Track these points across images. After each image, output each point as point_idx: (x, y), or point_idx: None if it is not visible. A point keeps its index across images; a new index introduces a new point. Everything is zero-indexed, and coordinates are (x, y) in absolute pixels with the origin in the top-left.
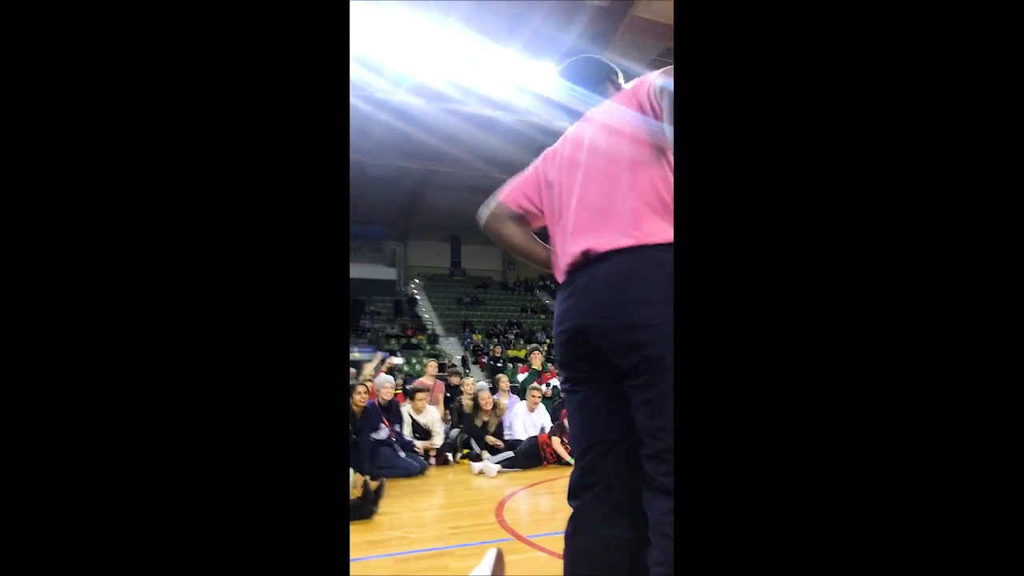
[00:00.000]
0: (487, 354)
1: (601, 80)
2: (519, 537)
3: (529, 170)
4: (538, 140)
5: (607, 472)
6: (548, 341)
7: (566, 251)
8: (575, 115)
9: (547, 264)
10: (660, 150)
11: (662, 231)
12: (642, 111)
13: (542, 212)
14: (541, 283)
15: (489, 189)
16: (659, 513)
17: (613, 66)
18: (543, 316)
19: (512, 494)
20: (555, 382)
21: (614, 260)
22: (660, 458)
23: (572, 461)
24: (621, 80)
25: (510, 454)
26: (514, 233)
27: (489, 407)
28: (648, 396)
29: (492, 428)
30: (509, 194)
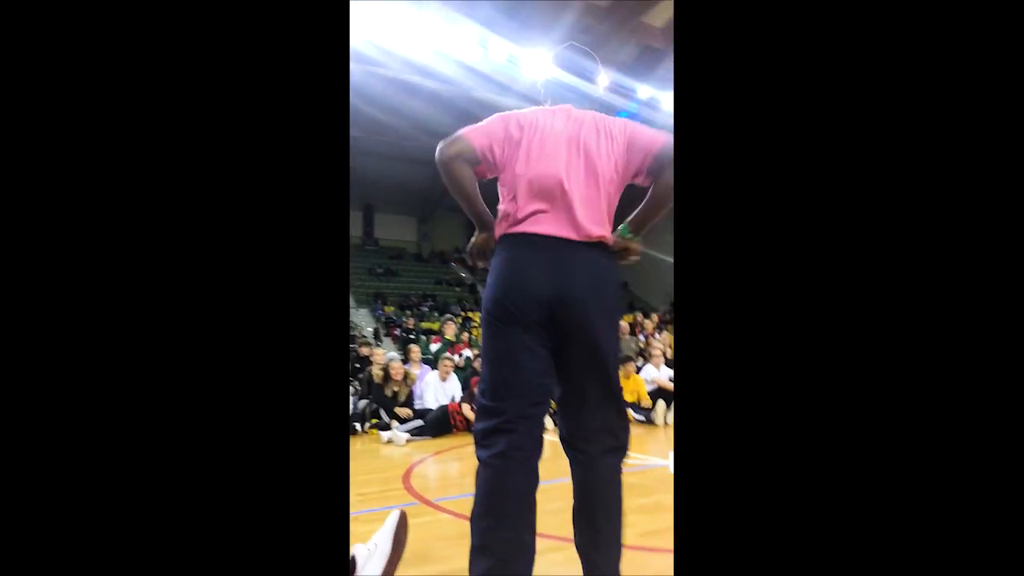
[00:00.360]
0: (399, 326)
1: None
2: (425, 501)
3: (496, 122)
4: (462, 107)
5: (542, 409)
6: (463, 314)
7: (547, 229)
8: (500, 87)
9: (481, 220)
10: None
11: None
12: (624, 150)
13: (496, 167)
14: (457, 255)
15: (407, 157)
16: (611, 421)
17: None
18: (458, 289)
19: (420, 461)
20: (468, 353)
21: (600, 249)
22: (618, 411)
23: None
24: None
25: (420, 423)
26: (469, 178)
27: (399, 377)
28: (594, 360)
29: (402, 398)
30: (478, 139)
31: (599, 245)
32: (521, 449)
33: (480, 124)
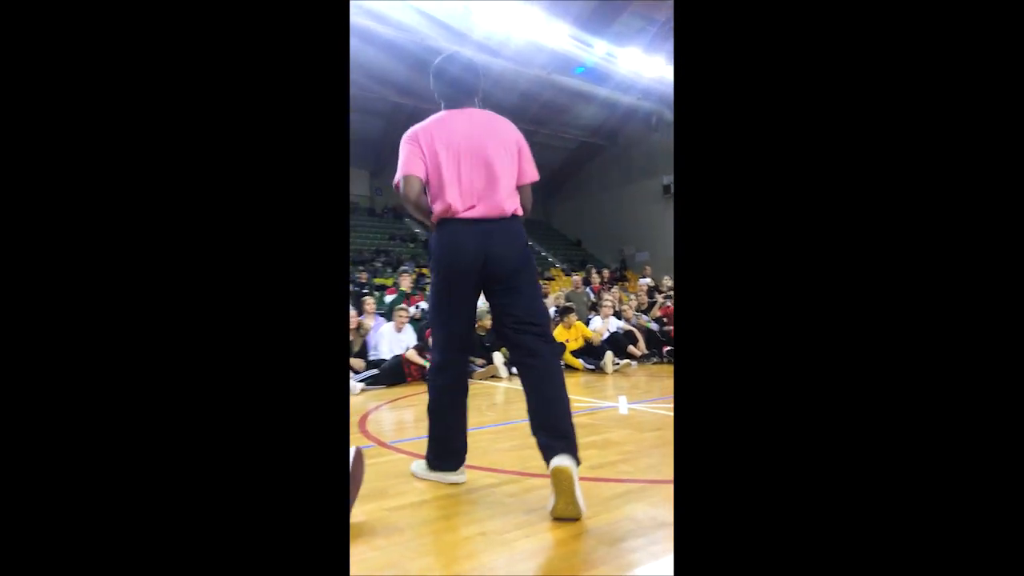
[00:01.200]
0: (352, 281)
1: (477, 91)
2: (381, 443)
3: (414, 150)
4: (417, 55)
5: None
6: (418, 270)
7: (470, 206)
8: (456, 35)
9: (427, 218)
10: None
11: (518, 210)
12: (514, 152)
13: (429, 180)
14: None
15: (359, 108)
16: (538, 344)
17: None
18: (412, 245)
19: (375, 408)
20: (424, 304)
21: (515, 220)
22: (545, 319)
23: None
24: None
25: (374, 372)
26: (423, 198)
27: (353, 327)
28: (523, 293)
29: (356, 348)
30: (415, 168)
31: (513, 217)
32: (455, 381)
33: (405, 156)
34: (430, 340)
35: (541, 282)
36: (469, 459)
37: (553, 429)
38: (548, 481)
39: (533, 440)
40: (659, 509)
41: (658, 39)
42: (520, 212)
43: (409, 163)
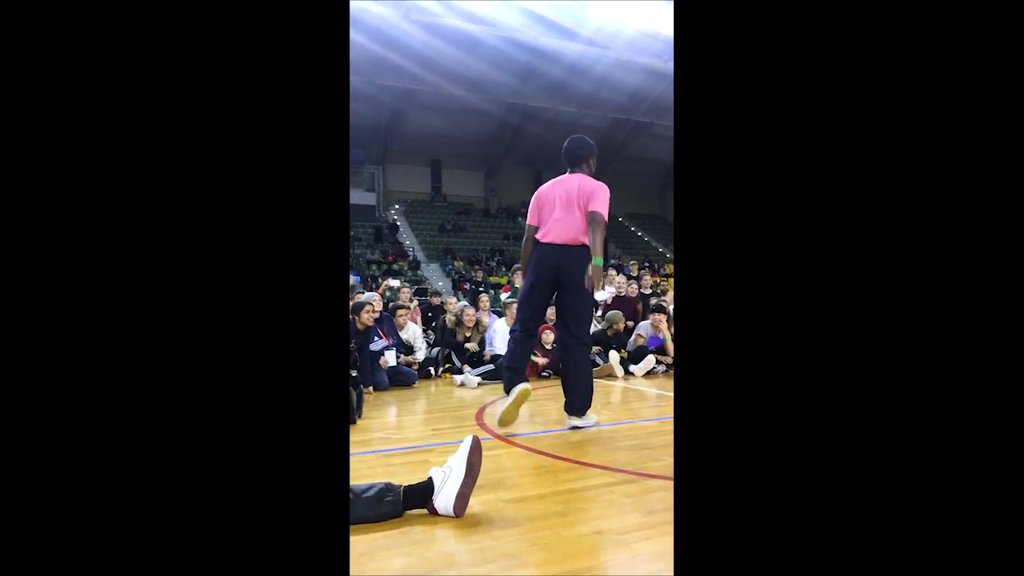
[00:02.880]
0: (469, 280)
1: (583, 158)
2: (497, 436)
3: (532, 204)
4: (522, 59)
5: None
6: None
7: (550, 239)
8: (564, 32)
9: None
10: (585, 212)
11: (585, 240)
12: (586, 198)
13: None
14: (524, 211)
15: (471, 110)
16: (574, 346)
17: (593, 147)
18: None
19: (492, 402)
20: None
21: (581, 248)
22: (581, 324)
23: (547, 375)
24: (594, 158)
25: (491, 367)
26: (530, 239)
27: (471, 324)
28: (575, 300)
29: (475, 344)
30: (530, 218)
31: (581, 245)
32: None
33: (529, 208)
34: (540, 336)
35: (657, 279)
36: (586, 458)
37: (565, 391)
38: (666, 484)
39: (651, 440)
40: None
41: None
42: (585, 243)
43: (529, 214)
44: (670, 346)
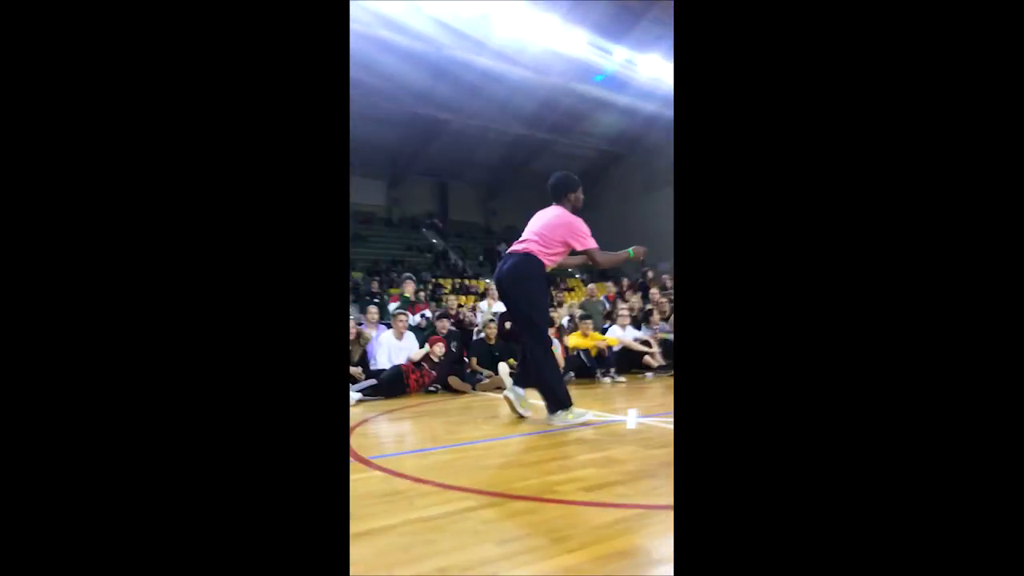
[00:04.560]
0: (366, 291)
1: (563, 193)
2: (359, 459)
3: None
4: (435, 64)
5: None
6: (435, 280)
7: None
8: (474, 43)
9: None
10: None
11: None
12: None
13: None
14: (428, 221)
15: (377, 117)
16: (528, 350)
17: (573, 183)
18: (428, 255)
19: (365, 420)
20: (428, 313)
21: (521, 256)
22: (526, 328)
23: (433, 390)
24: (577, 193)
25: (372, 382)
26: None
27: (352, 337)
28: (516, 308)
29: (355, 358)
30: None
31: (523, 255)
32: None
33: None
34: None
35: (559, 292)
36: (451, 479)
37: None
38: (530, 505)
39: (523, 457)
40: (656, 541)
41: None
42: (535, 253)
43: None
44: (560, 358)
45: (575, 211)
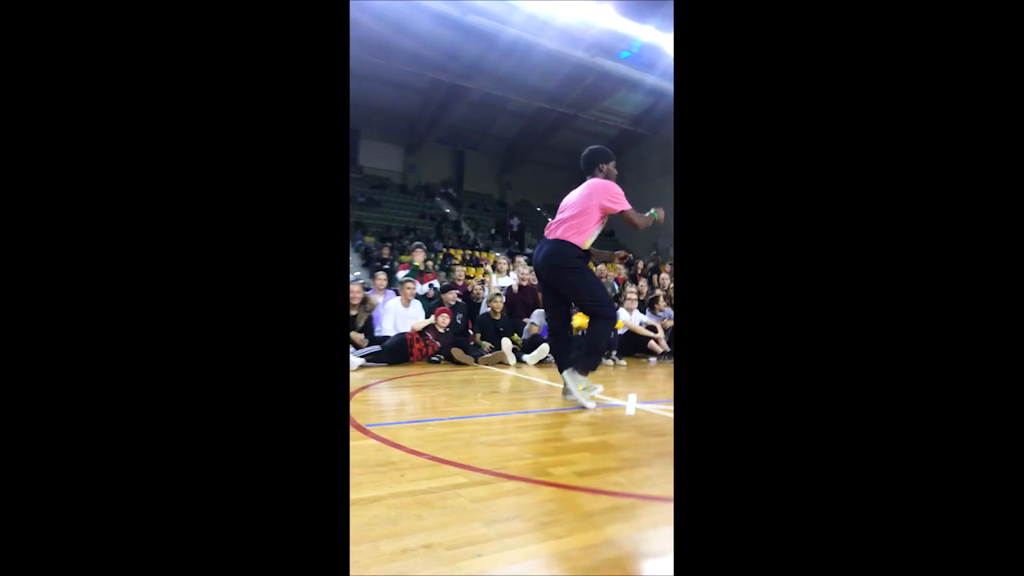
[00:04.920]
0: (377, 256)
1: (597, 164)
2: (356, 426)
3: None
4: (449, 38)
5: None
6: (446, 250)
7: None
8: (492, 15)
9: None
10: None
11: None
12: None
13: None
14: (443, 190)
15: (400, 83)
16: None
17: (605, 155)
18: (443, 223)
19: (366, 386)
20: (436, 283)
21: (562, 244)
22: (584, 303)
23: (436, 360)
24: (610, 165)
25: (376, 348)
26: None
27: (356, 301)
28: (566, 289)
29: (360, 323)
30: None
31: (562, 241)
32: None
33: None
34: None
35: None
36: (445, 453)
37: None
38: (522, 486)
39: (519, 436)
40: (647, 533)
41: None
42: (565, 238)
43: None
44: None
45: None
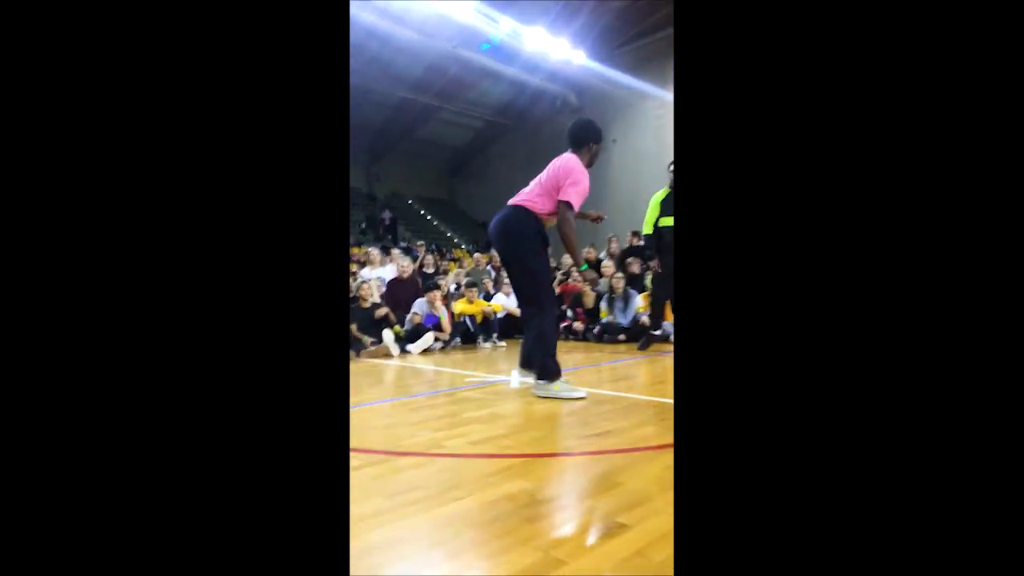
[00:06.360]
0: None
1: (586, 141)
2: None
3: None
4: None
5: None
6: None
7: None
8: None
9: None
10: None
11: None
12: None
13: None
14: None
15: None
16: (527, 317)
17: (592, 134)
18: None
19: None
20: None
21: (516, 209)
22: (524, 293)
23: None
24: (600, 146)
25: None
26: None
27: None
28: (513, 271)
29: None
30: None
31: (519, 208)
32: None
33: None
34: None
35: (443, 261)
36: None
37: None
38: (418, 460)
39: (409, 416)
40: (540, 483)
41: (560, 20)
42: (526, 205)
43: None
44: (446, 323)
45: (588, 166)
